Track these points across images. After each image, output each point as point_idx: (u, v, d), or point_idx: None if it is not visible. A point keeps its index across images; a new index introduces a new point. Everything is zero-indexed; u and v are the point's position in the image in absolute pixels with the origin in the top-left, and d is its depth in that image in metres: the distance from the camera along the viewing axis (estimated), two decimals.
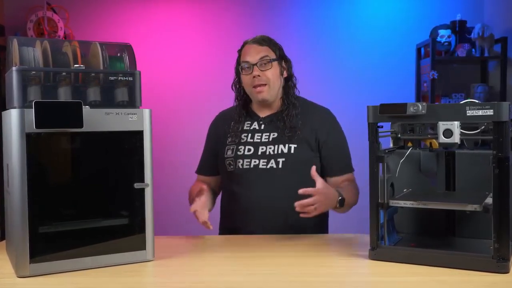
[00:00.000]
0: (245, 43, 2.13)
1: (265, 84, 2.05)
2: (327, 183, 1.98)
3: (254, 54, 2.06)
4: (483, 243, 1.56)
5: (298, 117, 2.09)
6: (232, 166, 2.10)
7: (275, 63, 2.08)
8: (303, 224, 1.97)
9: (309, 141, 2.07)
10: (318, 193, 1.79)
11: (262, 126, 2.12)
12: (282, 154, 2.04)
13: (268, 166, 2.05)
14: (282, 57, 2.12)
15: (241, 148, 2.10)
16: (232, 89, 2.18)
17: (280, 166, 2.03)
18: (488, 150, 1.54)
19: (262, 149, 2.07)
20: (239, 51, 2.14)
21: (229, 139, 2.14)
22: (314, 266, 1.58)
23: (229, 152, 2.12)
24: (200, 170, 2.27)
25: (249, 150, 2.09)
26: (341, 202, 1.92)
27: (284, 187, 2.01)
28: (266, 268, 1.56)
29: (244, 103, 2.17)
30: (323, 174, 2.08)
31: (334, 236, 1.99)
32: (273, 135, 2.09)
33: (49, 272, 1.47)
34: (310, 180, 1.87)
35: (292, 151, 2.04)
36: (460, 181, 1.71)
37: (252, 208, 2.05)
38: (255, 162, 2.06)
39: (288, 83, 2.14)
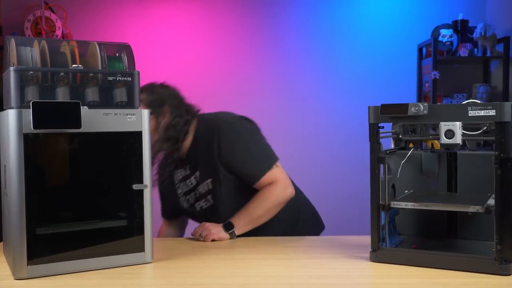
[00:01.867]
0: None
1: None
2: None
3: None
4: (486, 245, 1.55)
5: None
6: None
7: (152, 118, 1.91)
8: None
9: (211, 165, 2.01)
10: (201, 226, 1.94)
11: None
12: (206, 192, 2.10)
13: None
14: (158, 104, 2.01)
15: None
16: None
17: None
18: (490, 151, 1.53)
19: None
20: None
21: None
22: (315, 268, 1.57)
23: None
24: None
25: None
26: (227, 226, 1.93)
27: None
28: (266, 270, 1.55)
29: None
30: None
31: (335, 238, 1.98)
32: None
33: (47, 274, 1.46)
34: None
35: (194, 178, 2.09)
36: (462, 182, 1.70)
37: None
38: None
39: (174, 127, 2.03)
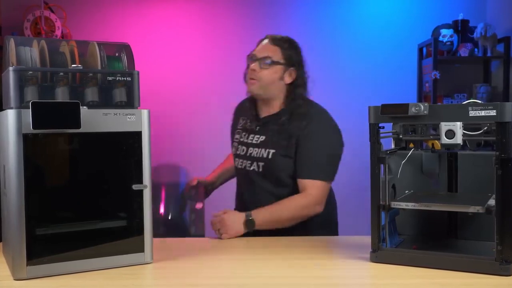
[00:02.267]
0: (265, 37, 2.16)
1: (257, 81, 2.08)
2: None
3: (261, 50, 2.10)
4: (486, 245, 1.55)
5: (293, 124, 2.05)
6: (235, 163, 2.22)
7: (277, 67, 2.07)
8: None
9: (288, 147, 2.04)
10: (217, 218, 1.93)
11: (257, 128, 2.15)
12: (262, 158, 2.08)
13: (251, 169, 2.11)
14: (290, 63, 2.09)
15: (238, 147, 2.20)
16: (244, 81, 2.21)
17: (260, 169, 2.08)
18: (491, 151, 1.53)
19: (250, 151, 2.13)
20: (258, 42, 2.18)
21: (236, 135, 2.24)
22: (315, 268, 1.56)
23: (233, 149, 2.24)
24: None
25: (242, 150, 2.17)
26: (249, 224, 1.92)
27: (262, 191, 2.09)
28: (266, 271, 1.55)
29: (251, 99, 2.20)
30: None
31: (335, 238, 1.98)
32: (262, 138, 2.12)
33: (47, 274, 1.45)
34: (281, 187, 2.03)
35: (270, 156, 2.06)
36: (462, 182, 1.70)
37: (243, 208, 2.08)
38: (245, 163, 2.15)
39: (294, 89, 2.10)
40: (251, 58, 2.11)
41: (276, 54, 2.08)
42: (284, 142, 2.04)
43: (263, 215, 1.95)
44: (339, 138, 2.10)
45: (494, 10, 4.17)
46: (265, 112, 2.15)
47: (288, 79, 2.10)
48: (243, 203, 2.16)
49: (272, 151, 2.06)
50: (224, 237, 1.90)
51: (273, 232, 1.96)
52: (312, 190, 2.00)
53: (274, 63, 2.07)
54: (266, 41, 2.12)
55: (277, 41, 2.11)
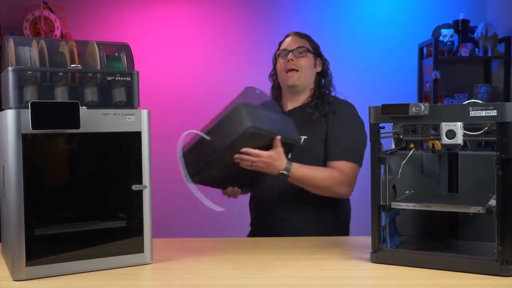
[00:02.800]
0: (287, 36, 2.25)
1: (297, 71, 2.14)
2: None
3: (292, 43, 2.19)
4: (487, 246, 1.54)
5: (323, 113, 2.10)
6: None
7: (310, 55, 2.18)
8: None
9: (320, 133, 2.09)
10: (262, 152, 1.82)
11: None
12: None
13: None
14: (318, 53, 2.23)
15: None
16: (270, 80, 2.29)
17: (289, 156, 2.03)
18: (491, 152, 1.52)
19: None
20: (280, 43, 2.25)
21: None
22: (315, 269, 1.56)
23: None
24: None
25: None
26: (285, 174, 1.90)
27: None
28: (267, 271, 1.54)
29: (275, 96, 2.25)
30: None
31: (335, 238, 1.97)
32: None
33: (46, 275, 1.45)
34: None
35: (301, 141, 2.05)
36: (463, 182, 1.69)
37: (264, 197, 2.11)
38: None
39: (322, 78, 2.22)
40: (283, 53, 2.18)
41: (307, 44, 2.19)
42: (314, 128, 2.08)
43: (301, 168, 1.94)
44: (364, 127, 2.14)
45: (495, 10, 4.16)
46: (291, 104, 2.20)
47: (319, 68, 2.21)
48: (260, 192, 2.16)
49: (304, 137, 2.06)
50: (247, 165, 1.83)
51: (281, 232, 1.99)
52: (345, 169, 2.02)
53: (308, 51, 2.17)
54: (292, 36, 2.22)
55: (302, 35, 2.23)
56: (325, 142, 2.09)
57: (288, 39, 2.21)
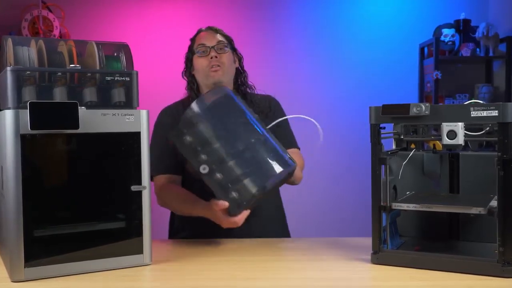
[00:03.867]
0: (199, 31, 2.17)
1: (220, 66, 2.05)
2: None
3: (211, 39, 2.09)
4: (488, 247, 1.54)
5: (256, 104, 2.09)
6: None
7: (229, 50, 2.10)
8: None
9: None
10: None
11: None
12: None
13: None
14: (233, 48, 2.16)
15: None
16: (183, 78, 2.17)
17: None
18: (492, 152, 1.52)
19: None
20: (192, 39, 2.17)
21: None
22: (315, 270, 1.55)
23: None
24: (170, 170, 2.06)
25: None
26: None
27: None
28: (266, 273, 1.54)
29: (195, 94, 2.12)
30: None
31: (336, 239, 1.96)
32: None
33: (44, 276, 1.44)
34: None
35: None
36: (464, 183, 1.69)
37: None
38: None
39: (240, 75, 2.17)
40: (201, 49, 2.07)
41: (223, 39, 2.11)
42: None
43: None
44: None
45: (496, 9, 4.15)
46: None
47: (237, 63, 2.16)
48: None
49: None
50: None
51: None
52: (297, 157, 2.01)
53: (227, 46, 2.10)
54: (207, 31, 2.13)
55: (215, 29, 2.14)
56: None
57: (204, 34, 2.12)
